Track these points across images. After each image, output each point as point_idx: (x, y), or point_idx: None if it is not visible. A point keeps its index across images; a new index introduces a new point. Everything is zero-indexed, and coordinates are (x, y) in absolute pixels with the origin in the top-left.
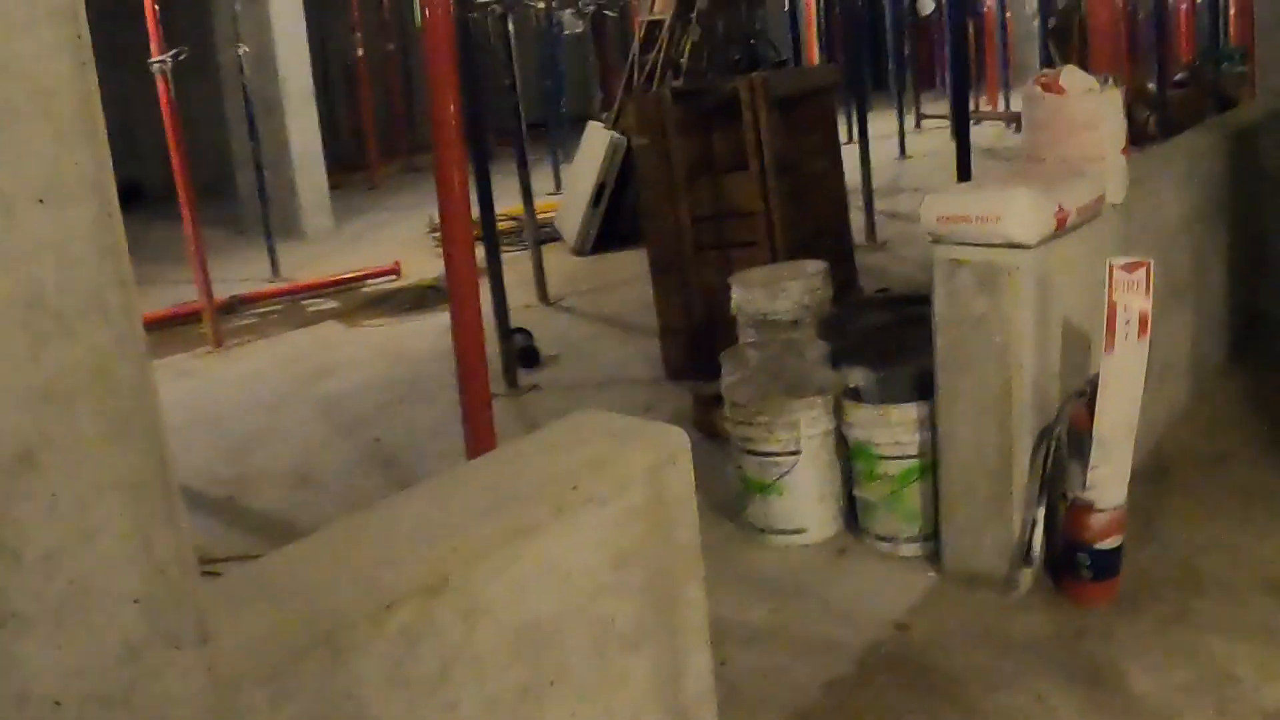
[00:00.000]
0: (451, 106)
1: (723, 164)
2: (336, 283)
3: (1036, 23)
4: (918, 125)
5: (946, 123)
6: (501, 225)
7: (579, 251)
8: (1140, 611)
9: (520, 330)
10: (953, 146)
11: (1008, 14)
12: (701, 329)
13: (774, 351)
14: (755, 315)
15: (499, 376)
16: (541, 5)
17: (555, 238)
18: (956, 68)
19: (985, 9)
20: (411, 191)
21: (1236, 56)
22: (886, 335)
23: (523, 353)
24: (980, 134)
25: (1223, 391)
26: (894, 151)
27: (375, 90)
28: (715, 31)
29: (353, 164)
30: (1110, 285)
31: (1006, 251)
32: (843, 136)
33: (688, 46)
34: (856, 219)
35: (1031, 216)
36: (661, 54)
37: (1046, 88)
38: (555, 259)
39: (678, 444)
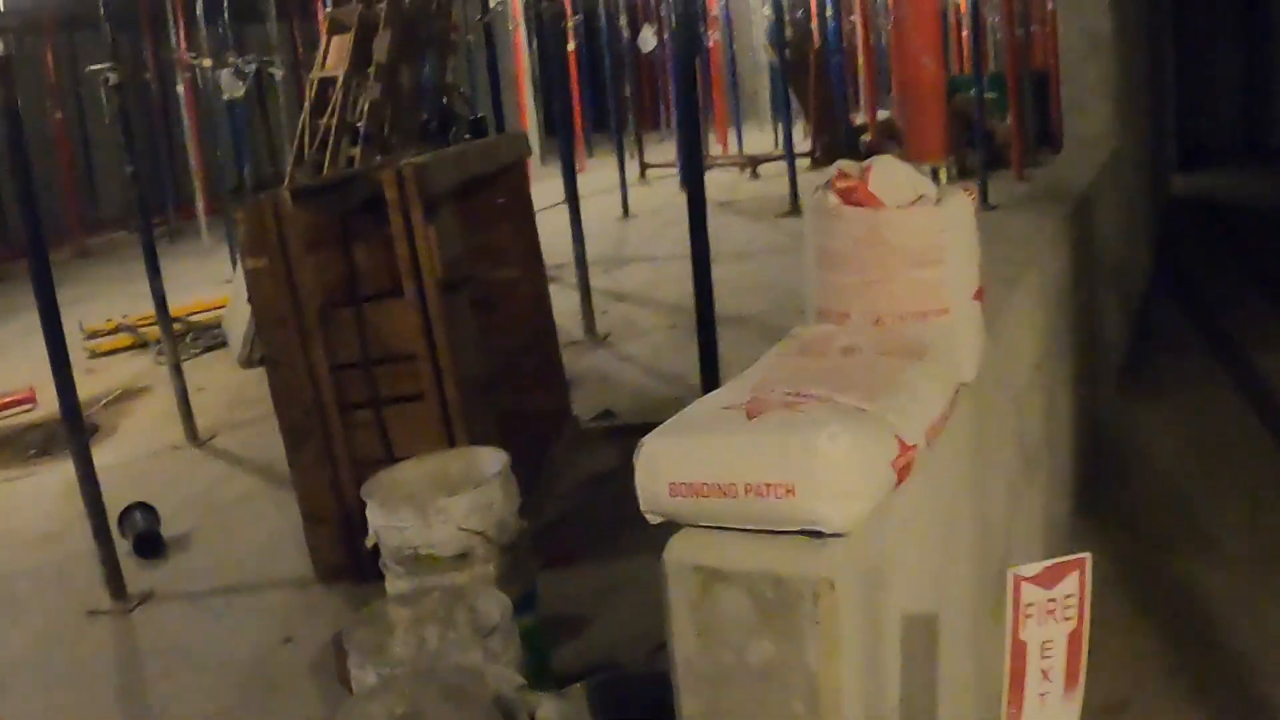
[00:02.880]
0: None
1: (370, 287)
2: None
3: (766, 57)
4: (642, 175)
5: (674, 171)
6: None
7: (247, 362)
8: None
9: (139, 506)
10: (682, 201)
11: (734, 46)
12: (357, 516)
13: (429, 609)
14: (402, 550)
15: (100, 584)
16: (208, 63)
17: (225, 342)
18: (685, 112)
19: (711, 43)
20: (80, 282)
21: (988, 84)
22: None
23: (140, 540)
24: (713, 182)
25: None
26: (615, 209)
27: (39, 164)
28: (399, 88)
29: (11, 251)
30: (1015, 614)
31: (808, 549)
32: (553, 196)
33: (366, 107)
34: (570, 304)
35: (856, 478)
36: (335, 117)
37: (848, 197)
38: (218, 373)
39: None
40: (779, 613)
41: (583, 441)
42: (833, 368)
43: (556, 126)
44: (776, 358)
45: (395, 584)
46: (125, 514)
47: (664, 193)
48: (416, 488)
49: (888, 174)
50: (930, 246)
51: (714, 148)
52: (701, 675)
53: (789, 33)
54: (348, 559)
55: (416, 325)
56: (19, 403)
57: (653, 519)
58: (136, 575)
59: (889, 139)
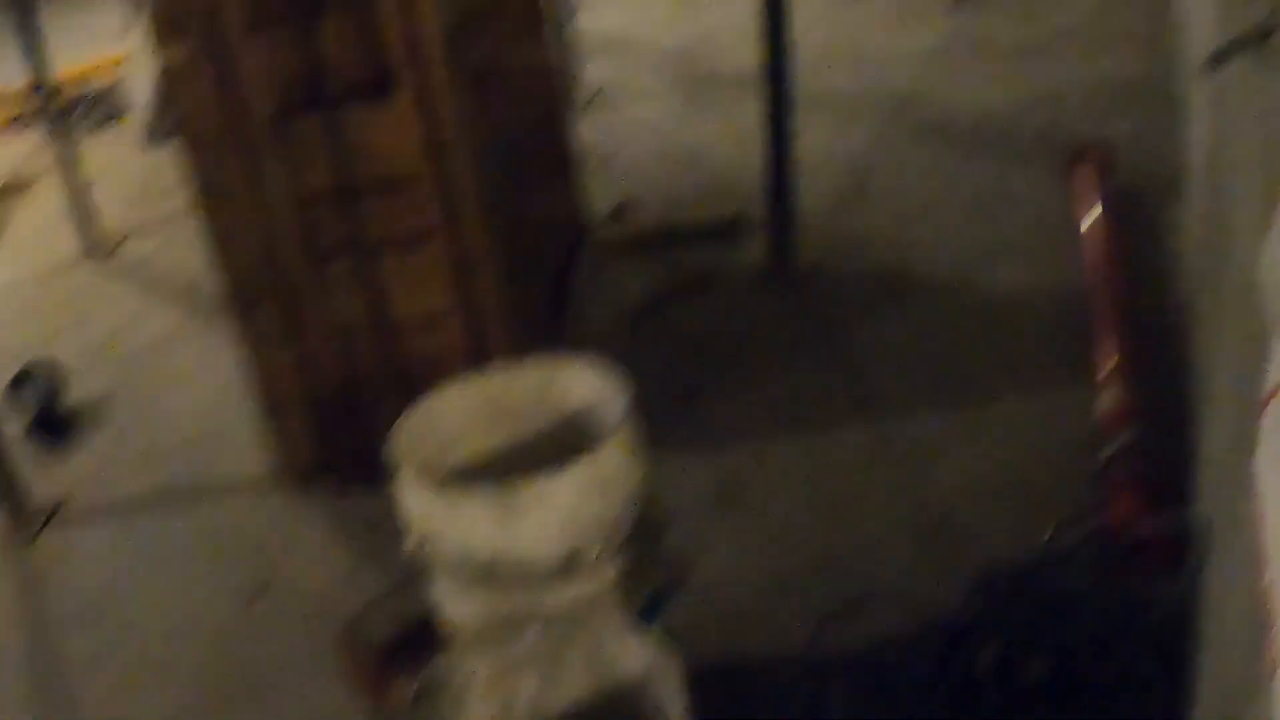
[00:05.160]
0: None
1: (344, 82)
2: None
3: None
4: None
5: None
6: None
7: (151, 137)
8: None
9: (34, 372)
10: None
11: None
12: (339, 401)
13: (525, 654)
14: (469, 559)
15: None
16: None
17: (122, 114)
18: None
19: None
20: None
21: None
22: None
23: (39, 421)
24: None
25: None
26: None
27: None
28: None
29: None
30: None
31: None
32: None
33: None
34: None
35: None
36: None
37: None
38: (120, 154)
39: None
40: None
41: (603, 254)
42: None
43: None
44: None
45: (455, 606)
46: (16, 382)
47: None
48: (473, 438)
49: None
50: None
51: None
52: None
53: None
54: (326, 456)
55: (418, 135)
56: None
57: None
58: (37, 472)
59: None
